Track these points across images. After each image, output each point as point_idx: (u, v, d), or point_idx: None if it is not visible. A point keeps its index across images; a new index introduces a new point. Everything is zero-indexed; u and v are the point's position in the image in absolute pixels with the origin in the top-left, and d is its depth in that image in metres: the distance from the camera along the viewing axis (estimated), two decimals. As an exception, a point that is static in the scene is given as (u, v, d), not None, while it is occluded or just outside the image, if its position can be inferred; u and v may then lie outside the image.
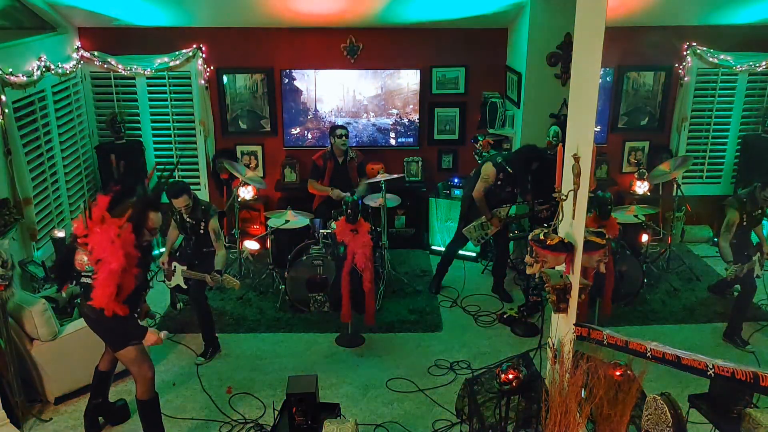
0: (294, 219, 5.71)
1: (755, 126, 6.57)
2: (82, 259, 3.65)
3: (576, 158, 2.93)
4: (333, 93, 6.68)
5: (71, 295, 4.69)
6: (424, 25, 6.42)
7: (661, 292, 5.72)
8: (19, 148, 5.22)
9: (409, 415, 4.31)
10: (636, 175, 6.28)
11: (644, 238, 5.57)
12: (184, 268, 4.86)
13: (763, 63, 6.29)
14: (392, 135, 6.84)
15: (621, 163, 6.84)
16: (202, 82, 6.58)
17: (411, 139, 6.86)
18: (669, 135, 6.74)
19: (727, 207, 4.93)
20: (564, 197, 3.03)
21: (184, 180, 5.93)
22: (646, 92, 6.64)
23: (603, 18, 2.78)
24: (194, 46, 6.49)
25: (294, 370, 4.65)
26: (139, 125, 6.74)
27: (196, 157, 6.86)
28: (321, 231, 5.52)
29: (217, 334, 5.07)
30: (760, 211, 4.87)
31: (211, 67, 6.61)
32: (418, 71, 6.60)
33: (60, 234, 5.58)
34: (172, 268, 4.93)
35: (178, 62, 6.50)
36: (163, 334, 3.72)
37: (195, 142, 6.82)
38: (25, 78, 5.28)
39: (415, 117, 6.76)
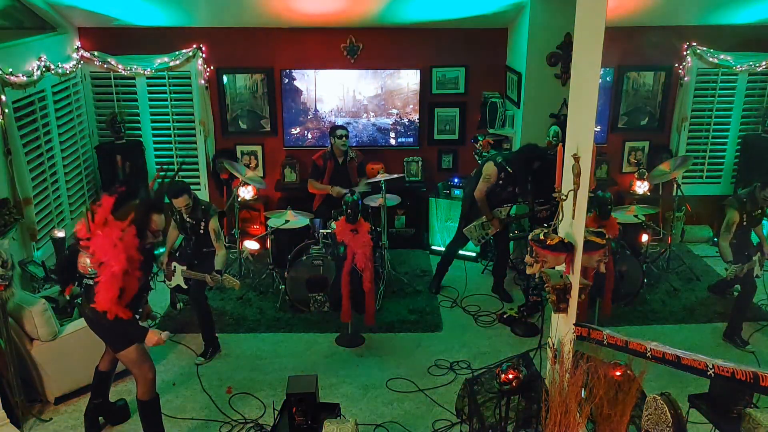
0: (294, 219, 5.71)
1: (755, 126, 6.56)
2: (85, 262, 3.64)
3: (576, 158, 2.94)
4: (333, 93, 6.68)
5: (73, 295, 4.69)
6: (424, 25, 6.42)
7: (661, 292, 5.71)
8: (19, 148, 5.22)
9: (409, 415, 4.31)
10: (636, 175, 6.28)
11: (644, 238, 5.57)
12: (184, 268, 4.86)
13: (763, 63, 6.28)
14: (392, 135, 6.84)
15: (621, 163, 6.84)
16: (202, 82, 6.58)
17: (411, 139, 6.86)
18: (669, 135, 6.74)
19: (727, 207, 4.93)
20: (564, 197, 3.03)
21: (184, 180, 5.93)
22: (646, 92, 6.64)
23: (603, 18, 2.78)
24: (194, 46, 6.49)
25: (294, 370, 4.66)
26: (139, 125, 6.74)
27: (196, 157, 6.86)
28: (321, 231, 5.53)
29: (217, 334, 5.07)
30: (760, 211, 4.86)
31: (211, 67, 6.61)
32: (418, 71, 6.60)
33: (60, 234, 5.58)
34: (172, 268, 4.93)
35: (178, 62, 6.50)
36: (164, 334, 3.72)
37: (195, 142, 6.82)
38: (25, 78, 5.28)
39: (415, 117, 6.76)
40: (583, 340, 3.03)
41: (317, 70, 6.58)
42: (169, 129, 6.80)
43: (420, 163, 6.95)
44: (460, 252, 6.17)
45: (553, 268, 3.11)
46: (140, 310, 3.91)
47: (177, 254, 5.07)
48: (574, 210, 3.02)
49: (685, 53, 6.40)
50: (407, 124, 6.80)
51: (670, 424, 2.58)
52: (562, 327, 3.18)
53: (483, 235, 5.59)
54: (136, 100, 6.68)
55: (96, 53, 6.40)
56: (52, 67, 5.73)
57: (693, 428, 3.42)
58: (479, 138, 6.50)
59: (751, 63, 6.32)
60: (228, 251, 5.13)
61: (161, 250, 5.09)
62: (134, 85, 6.63)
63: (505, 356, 4.59)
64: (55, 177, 5.84)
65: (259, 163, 6.98)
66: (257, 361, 4.94)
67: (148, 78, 6.58)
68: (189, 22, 6.35)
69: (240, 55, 6.60)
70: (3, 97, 4.98)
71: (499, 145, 6.53)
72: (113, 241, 3.31)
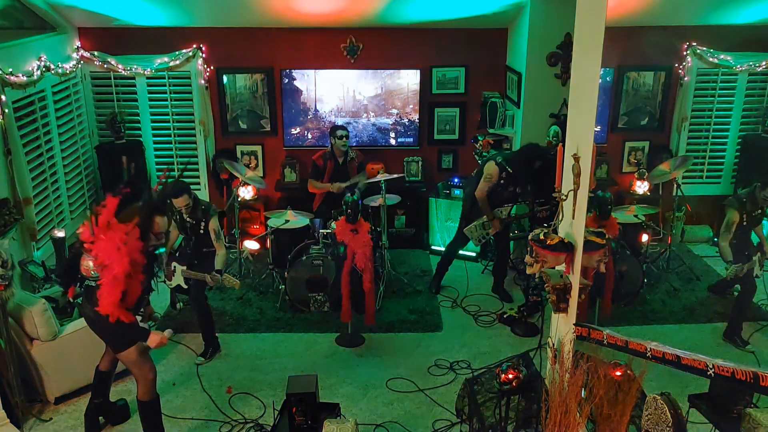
0: (294, 219, 5.71)
1: (755, 126, 6.57)
2: (88, 264, 3.63)
3: (576, 158, 2.94)
4: (333, 93, 6.68)
5: (75, 295, 4.68)
6: (424, 25, 6.42)
7: (661, 292, 5.71)
8: (19, 148, 5.22)
9: (409, 415, 4.31)
10: (636, 175, 6.28)
11: (644, 238, 5.57)
12: (184, 268, 4.86)
13: (763, 63, 6.29)
14: (392, 135, 6.84)
15: (621, 163, 6.84)
16: (202, 82, 6.58)
17: (411, 139, 6.86)
18: (669, 135, 6.74)
19: (727, 207, 4.93)
20: (564, 197, 3.03)
21: (184, 180, 5.93)
22: (646, 92, 6.64)
23: (603, 18, 2.78)
24: (194, 46, 6.49)
25: (294, 370, 4.65)
26: (139, 125, 6.74)
27: (196, 157, 6.86)
28: (321, 231, 5.53)
29: (217, 334, 5.07)
30: (760, 211, 4.87)
31: (211, 67, 6.61)
32: (418, 71, 6.60)
33: (60, 234, 5.58)
34: (172, 268, 4.93)
35: (178, 62, 6.50)
36: (167, 332, 3.71)
37: (195, 142, 6.82)
38: (25, 78, 5.28)
39: (415, 117, 6.76)
40: (583, 340, 3.04)
41: (317, 70, 6.58)
42: (169, 129, 6.79)
43: (420, 163, 6.95)
44: (460, 252, 6.16)
45: (553, 268, 3.11)
46: (142, 310, 3.90)
47: (177, 254, 5.07)
48: (574, 210, 3.02)
49: (685, 53, 6.40)
50: (407, 124, 6.80)
51: (670, 424, 2.58)
52: (562, 327, 3.18)
53: (483, 235, 5.59)
54: (136, 100, 6.68)
55: (96, 53, 6.40)
56: (52, 67, 5.73)
57: (693, 428, 3.42)
58: (479, 138, 6.50)
59: (751, 63, 6.32)
60: (228, 251, 5.14)
61: (161, 250, 5.08)
62: (134, 85, 6.63)
63: (505, 356, 4.60)
64: (55, 177, 5.84)
65: (259, 163, 6.98)
66: (257, 361, 4.94)
67: (148, 78, 6.58)
68: (189, 22, 6.35)
69: (240, 55, 6.60)
70: (3, 97, 4.97)
71: (499, 145, 6.53)
72: (117, 244, 3.30)
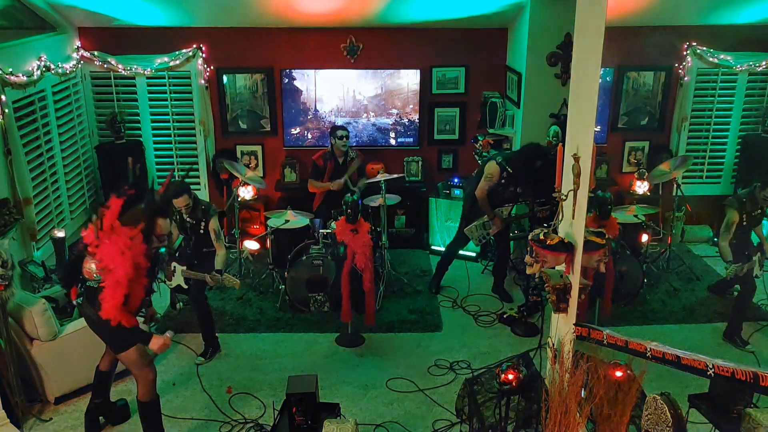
0: (294, 219, 5.71)
1: (755, 126, 6.56)
2: (90, 267, 3.63)
3: (576, 158, 2.94)
4: (333, 93, 6.68)
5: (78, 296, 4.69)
6: (424, 25, 6.42)
7: (661, 292, 5.71)
8: (19, 148, 5.22)
9: (409, 415, 4.31)
10: (636, 175, 6.28)
11: (644, 238, 5.56)
12: (184, 268, 4.86)
13: (763, 63, 6.28)
14: (392, 135, 6.84)
15: (621, 163, 6.84)
16: (202, 82, 6.58)
17: (411, 139, 6.86)
18: (669, 135, 6.74)
19: (727, 207, 4.93)
20: (564, 197, 3.03)
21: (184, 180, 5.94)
22: (646, 92, 6.64)
23: (603, 18, 2.78)
24: (194, 46, 6.49)
25: (294, 370, 4.65)
26: (139, 125, 6.74)
27: (196, 157, 6.86)
28: (321, 231, 5.53)
29: (217, 334, 5.07)
30: (759, 211, 4.86)
31: (211, 67, 6.61)
32: (418, 71, 6.60)
33: (60, 234, 5.58)
34: (172, 268, 4.93)
35: (178, 62, 6.50)
36: (169, 333, 3.71)
37: (195, 142, 6.82)
38: (25, 78, 5.28)
39: (415, 117, 6.76)
40: (583, 340, 3.03)
41: (317, 70, 6.58)
42: (169, 129, 6.79)
43: (420, 163, 6.95)
44: (460, 252, 6.17)
45: (553, 268, 3.11)
46: (143, 311, 3.90)
47: (177, 254, 5.07)
48: (574, 210, 3.02)
49: (685, 53, 6.40)
50: (407, 124, 6.80)
51: (670, 424, 2.58)
52: (562, 327, 3.18)
53: (484, 234, 5.60)
54: (136, 100, 6.68)
55: (96, 53, 6.40)
56: (52, 67, 5.73)
57: (693, 428, 3.42)
58: (479, 138, 6.50)
59: (751, 63, 6.32)
60: (228, 251, 5.13)
61: (161, 250, 5.08)
62: (134, 85, 6.63)
63: (505, 356, 4.60)
64: (55, 177, 5.84)
65: (259, 163, 6.98)
66: (257, 361, 4.94)
67: (148, 78, 6.58)
68: (189, 22, 6.35)
69: (240, 55, 6.60)
70: (3, 97, 4.97)
71: (499, 145, 6.53)
72: (121, 248, 3.29)
